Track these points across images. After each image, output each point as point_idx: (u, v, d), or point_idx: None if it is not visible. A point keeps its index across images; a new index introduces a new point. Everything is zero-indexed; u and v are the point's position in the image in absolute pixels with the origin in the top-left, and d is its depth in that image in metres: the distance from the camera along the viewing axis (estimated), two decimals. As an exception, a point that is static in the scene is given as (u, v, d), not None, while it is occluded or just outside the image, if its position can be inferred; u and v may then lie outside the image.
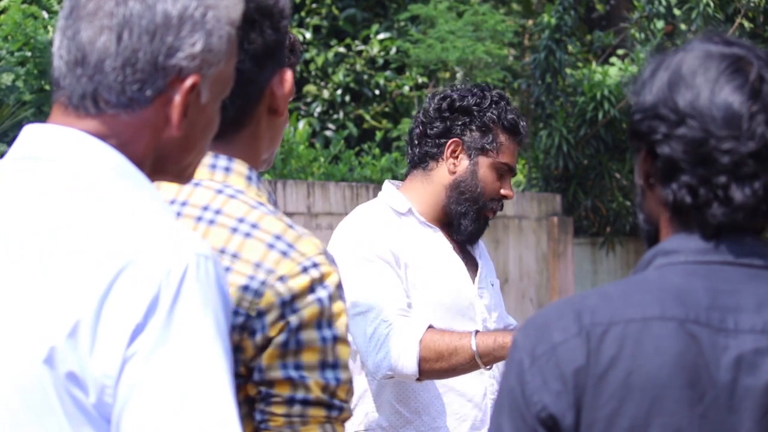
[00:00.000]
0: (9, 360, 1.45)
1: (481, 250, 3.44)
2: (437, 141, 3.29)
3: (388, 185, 3.35)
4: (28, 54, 7.82)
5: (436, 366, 3.02)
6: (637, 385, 1.52)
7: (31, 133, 1.57)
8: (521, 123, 3.32)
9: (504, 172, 3.32)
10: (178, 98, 1.54)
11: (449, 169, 3.27)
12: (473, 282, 3.33)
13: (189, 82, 1.54)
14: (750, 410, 1.53)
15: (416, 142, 3.33)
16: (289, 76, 1.95)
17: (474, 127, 3.27)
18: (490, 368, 3.12)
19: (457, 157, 3.27)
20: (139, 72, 1.52)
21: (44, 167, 1.52)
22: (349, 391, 1.93)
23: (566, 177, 10.85)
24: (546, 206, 9.99)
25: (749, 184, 1.56)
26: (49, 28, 8.10)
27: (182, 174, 1.63)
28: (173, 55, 1.53)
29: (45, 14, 8.39)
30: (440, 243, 3.31)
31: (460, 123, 3.28)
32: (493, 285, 3.42)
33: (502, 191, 3.32)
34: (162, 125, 1.55)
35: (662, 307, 1.55)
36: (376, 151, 9.46)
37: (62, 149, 1.53)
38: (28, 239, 1.48)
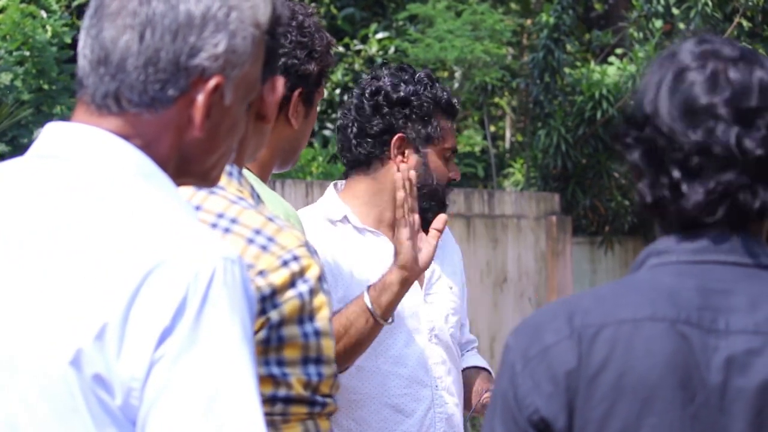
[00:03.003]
0: (34, 361, 1.44)
1: (445, 249, 3.17)
2: (379, 140, 3.04)
3: (330, 190, 3.12)
4: (27, 53, 7.81)
5: (340, 348, 2.69)
6: (628, 386, 1.52)
7: (53, 131, 1.56)
8: (455, 100, 3.13)
9: (449, 155, 3.12)
10: (200, 99, 1.52)
11: (399, 167, 3.00)
12: (420, 287, 3.07)
13: (212, 82, 1.52)
14: (741, 411, 1.52)
15: (354, 142, 3.07)
16: (280, 83, 1.95)
17: (415, 117, 3.04)
18: (391, 321, 2.81)
19: (404, 153, 3.05)
20: (161, 71, 1.51)
21: (66, 166, 1.51)
22: (333, 386, 1.94)
23: (565, 176, 10.85)
24: (544, 205, 9.99)
25: (703, 180, 1.55)
26: (48, 27, 8.10)
27: (207, 176, 1.61)
28: (196, 55, 1.52)
29: (44, 13, 8.37)
30: (380, 249, 3.03)
31: (400, 117, 3.04)
32: (451, 288, 3.17)
33: (451, 175, 3.11)
34: (185, 126, 1.53)
35: (653, 307, 1.55)
36: (375, 150, 9.44)
37: (85, 148, 1.52)
38: (52, 238, 1.47)
